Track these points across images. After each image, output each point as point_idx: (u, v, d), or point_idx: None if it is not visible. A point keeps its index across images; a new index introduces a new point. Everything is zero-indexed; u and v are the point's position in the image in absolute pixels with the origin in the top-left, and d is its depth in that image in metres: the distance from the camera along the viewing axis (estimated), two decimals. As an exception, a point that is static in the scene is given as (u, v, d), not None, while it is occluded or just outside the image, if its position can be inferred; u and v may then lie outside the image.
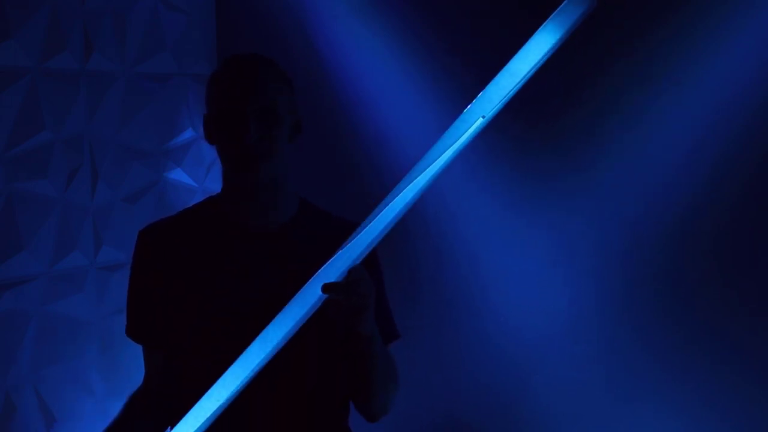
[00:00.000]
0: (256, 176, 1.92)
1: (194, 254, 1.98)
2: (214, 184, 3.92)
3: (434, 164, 1.82)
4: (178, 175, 3.81)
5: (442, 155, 1.82)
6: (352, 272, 1.81)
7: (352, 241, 1.82)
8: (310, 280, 1.82)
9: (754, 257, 3.06)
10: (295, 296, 1.82)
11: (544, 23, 1.78)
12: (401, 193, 1.83)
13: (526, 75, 1.82)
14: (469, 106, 1.81)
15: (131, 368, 3.44)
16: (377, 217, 1.82)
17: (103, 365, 3.48)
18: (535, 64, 1.81)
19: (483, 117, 1.82)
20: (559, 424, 3.42)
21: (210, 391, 1.81)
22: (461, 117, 1.82)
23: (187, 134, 3.84)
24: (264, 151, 1.91)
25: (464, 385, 3.57)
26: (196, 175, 3.86)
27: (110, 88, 3.52)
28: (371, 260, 2.04)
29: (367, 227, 1.82)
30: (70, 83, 3.37)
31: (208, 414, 1.81)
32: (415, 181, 1.83)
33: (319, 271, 1.82)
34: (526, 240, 3.42)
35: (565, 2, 1.76)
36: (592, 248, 3.32)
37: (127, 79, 3.58)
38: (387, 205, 1.82)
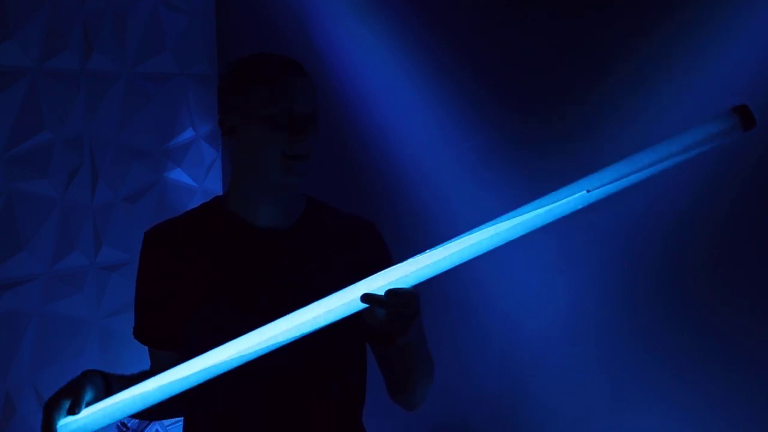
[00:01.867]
0: (301, 177, 1.93)
1: (202, 254, 1.96)
2: (214, 184, 3.92)
3: (524, 219, 1.74)
4: (178, 175, 3.81)
5: (534, 212, 1.74)
6: (402, 292, 1.74)
7: (414, 267, 1.75)
8: (352, 286, 1.76)
9: (756, 257, 3.06)
10: (332, 296, 1.76)
11: (693, 129, 1.72)
12: (484, 237, 1.76)
13: (649, 167, 1.71)
14: (580, 180, 1.74)
15: (131, 368, 3.44)
16: (449, 254, 1.74)
17: (102, 365, 3.46)
18: (662, 162, 1.72)
19: (588, 191, 1.73)
20: (559, 426, 3.42)
21: (207, 353, 1.78)
22: (567, 187, 1.74)
23: (187, 134, 3.84)
24: (310, 153, 1.94)
25: (464, 387, 3.56)
26: (196, 175, 3.86)
27: (110, 88, 3.52)
28: (386, 259, 2.04)
29: (435, 261, 1.74)
30: (70, 83, 3.37)
31: (198, 369, 1.77)
32: (499, 231, 1.76)
33: (366, 280, 1.76)
34: (525, 240, 3.42)
35: (721, 124, 1.72)
36: (592, 248, 3.32)
37: (127, 79, 3.58)
38: (464, 245, 1.75)
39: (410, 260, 1.75)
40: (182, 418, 2.08)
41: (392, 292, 1.73)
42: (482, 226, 1.76)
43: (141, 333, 2.04)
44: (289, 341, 1.75)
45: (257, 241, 1.97)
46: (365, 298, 1.73)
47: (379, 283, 1.75)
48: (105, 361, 3.48)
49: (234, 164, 2.01)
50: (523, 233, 1.76)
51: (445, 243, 1.75)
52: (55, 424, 1.75)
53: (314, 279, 1.93)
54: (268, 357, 1.79)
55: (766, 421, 3.06)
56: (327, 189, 2.94)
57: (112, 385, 1.85)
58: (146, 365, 2.08)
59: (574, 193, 1.72)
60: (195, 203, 3.76)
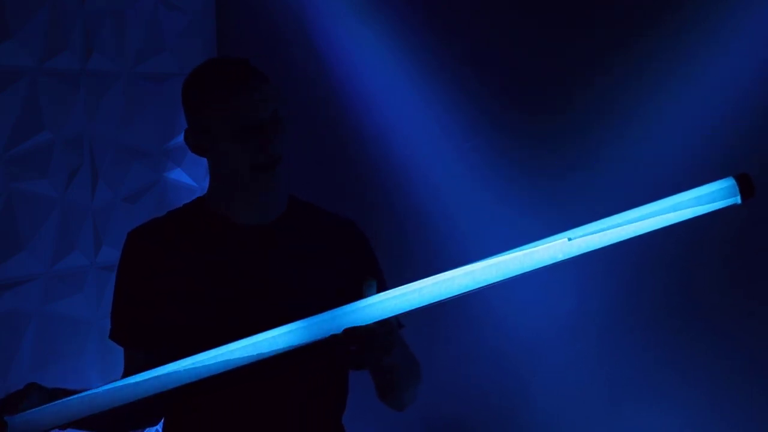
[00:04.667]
0: (275, 179, 1.92)
1: (184, 254, 1.97)
2: (214, 184, 3.92)
3: (499, 262, 1.67)
4: (178, 175, 3.81)
5: (509, 255, 1.66)
6: (371, 328, 1.69)
7: (386, 298, 1.70)
8: (328, 315, 1.71)
9: (756, 257, 3.06)
10: (303, 321, 1.72)
11: (685, 193, 1.66)
12: (456, 276, 1.69)
13: (636, 226, 1.65)
14: (564, 232, 1.66)
15: (131, 368, 3.44)
16: (427, 286, 1.69)
17: (102, 365, 3.48)
18: (655, 224, 1.65)
19: (569, 239, 1.66)
20: (560, 426, 3.42)
21: (178, 362, 1.75)
22: (548, 239, 1.66)
23: (187, 134, 3.84)
24: (281, 154, 1.92)
25: (463, 387, 3.56)
26: (196, 175, 3.86)
27: (110, 88, 3.52)
28: (369, 257, 2.04)
29: (411, 291, 1.68)
30: (70, 83, 3.37)
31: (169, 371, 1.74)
32: (474, 271, 1.69)
33: (341, 309, 1.70)
34: (525, 239, 3.41)
35: (716, 185, 1.66)
36: (593, 250, 3.31)
37: (127, 79, 3.58)
38: (438, 281, 1.69)
39: (382, 294, 1.70)
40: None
41: (349, 331, 1.68)
42: (456, 270, 1.70)
43: (119, 334, 2.02)
44: (246, 361, 1.72)
45: (238, 239, 1.97)
46: (332, 338, 1.69)
47: (345, 311, 1.70)
48: (105, 361, 3.48)
49: (210, 170, 2.01)
50: (499, 278, 1.68)
51: (419, 281, 1.69)
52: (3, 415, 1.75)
53: (295, 276, 1.93)
54: (238, 371, 1.76)
55: (767, 421, 3.06)
56: (327, 189, 2.95)
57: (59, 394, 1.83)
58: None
59: (554, 240, 1.66)
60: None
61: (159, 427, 3.51)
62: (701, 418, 3.16)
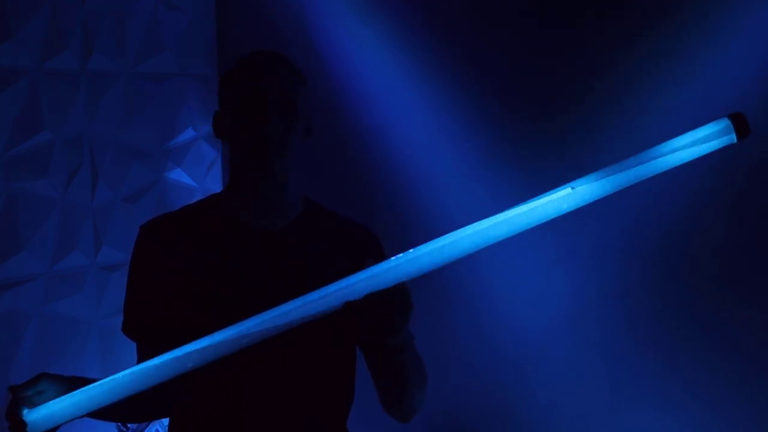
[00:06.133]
0: (271, 167, 1.90)
1: (196, 251, 1.95)
2: (214, 184, 3.92)
3: (503, 217, 1.70)
4: (178, 175, 3.81)
5: (516, 210, 1.69)
6: (383, 294, 1.70)
7: (393, 265, 1.70)
8: (332, 289, 1.72)
9: (755, 256, 3.06)
10: (310, 295, 1.73)
11: (682, 137, 1.71)
12: (463, 237, 1.71)
13: (638, 174, 1.68)
14: (568, 183, 1.69)
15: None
16: (429, 251, 1.70)
17: (102, 365, 3.48)
18: (655, 169, 1.70)
19: (572, 188, 1.68)
20: (559, 423, 3.42)
21: (178, 350, 1.75)
22: (552, 191, 1.68)
23: (187, 134, 3.84)
24: (281, 141, 1.90)
25: (463, 385, 3.56)
26: (196, 175, 3.86)
27: (110, 88, 3.52)
28: (379, 256, 2.04)
29: (423, 255, 1.70)
30: (70, 83, 3.38)
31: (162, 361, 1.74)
32: (480, 229, 1.72)
33: (346, 279, 1.71)
34: (525, 238, 3.41)
35: (711, 127, 1.69)
36: (592, 246, 3.32)
37: (127, 79, 3.58)
38: (445, 243, 1.71)
39: (393, 258, 1.72)
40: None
41: (371, 297, 1.70)
42: (462, 230, 1.73)
43: (131, 328, 2.02)
44: (262, 336, 1.72)
45: (249, 240, 1.96)
46: (347, 306, 1.71)
47: (358, 279, 1.72)
48: (105, 361, 3.49)
49: (229, 164, 2.02)
50: (507, 234, 1.72)
51: (429, 242, 1.72)
52: (21, 411, 1.75)
53: (306, 281, 1.92)
54: (252, 360, 1.77)
55: (766, 419, 3.06)
56: (327, 189, 2.94)
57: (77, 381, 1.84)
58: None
59: (558, 191, 1.68)
60: (195, 203, 3.76)
61: (160, 425, 3.51)
62: (701, 417, 3.16)
